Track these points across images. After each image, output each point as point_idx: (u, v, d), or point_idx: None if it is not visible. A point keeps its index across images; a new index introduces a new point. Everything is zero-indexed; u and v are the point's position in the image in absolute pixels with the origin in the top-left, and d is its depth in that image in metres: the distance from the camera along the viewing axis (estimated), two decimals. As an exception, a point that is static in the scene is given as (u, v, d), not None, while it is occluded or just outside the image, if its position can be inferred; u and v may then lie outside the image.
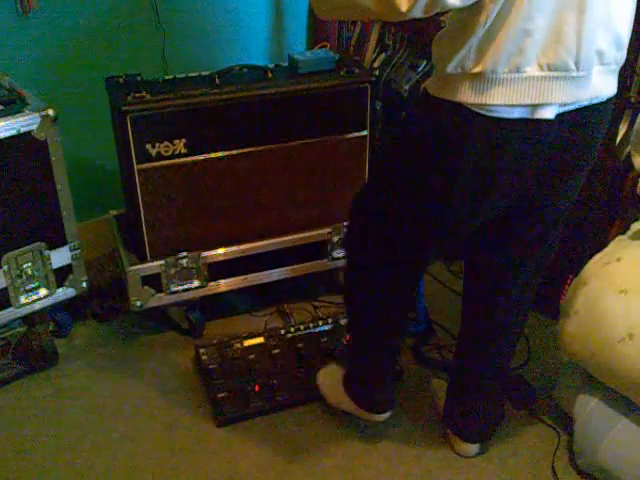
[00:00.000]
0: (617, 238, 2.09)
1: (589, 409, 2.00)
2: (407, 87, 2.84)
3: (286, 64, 2.51)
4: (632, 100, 2.30)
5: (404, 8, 1.32)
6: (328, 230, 2.57)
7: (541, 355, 2.51)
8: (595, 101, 1.54)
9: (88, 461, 2.12)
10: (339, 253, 2.63)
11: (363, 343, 2.11)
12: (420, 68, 2.83)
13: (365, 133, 2.51)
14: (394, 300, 1.97)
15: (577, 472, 2.08)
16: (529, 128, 1.50)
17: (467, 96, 1.47)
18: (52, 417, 2.26)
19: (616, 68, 1.55)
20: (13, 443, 2.17)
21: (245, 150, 2.37)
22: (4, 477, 2.06)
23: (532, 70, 1.43)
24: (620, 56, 1.53)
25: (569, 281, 2.20)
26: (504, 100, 1.45)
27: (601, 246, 2.10)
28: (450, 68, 1.47)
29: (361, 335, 2.10)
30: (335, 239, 2.60)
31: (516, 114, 1.47)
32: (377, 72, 2.92)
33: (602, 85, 1.53)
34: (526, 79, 1.44)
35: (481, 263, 1.94)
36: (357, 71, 2.45)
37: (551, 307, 2.50)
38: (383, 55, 3.02)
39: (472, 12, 1.38)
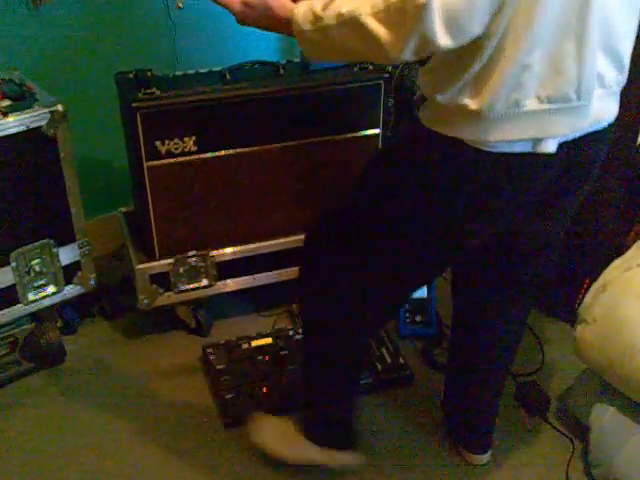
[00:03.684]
0: (637, 243, 2.05)
1: (606, 418, 1.97)
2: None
3: (298, 60, 2.48)
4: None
5: (393, 54, 1.28)
6: (339, 230, 2.54)
7: (555, 361, 2.47)
8: (595, 128, 1.47)
9: (94, 461, 2.10)
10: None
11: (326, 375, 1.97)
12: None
13: (378, 131, 2.47)
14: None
15: (592, 482, 2.06)
16: (530, 162, 1.43)
17: (463, 132, 1.40)
18: (59, 415, 2.25)
19: (617, 90, 1.48)
20: (19, 442, 2.15)
21: (255, 148, 2.34)
22: (9, 477, 2.04)
23: (531, 104, 1.35)
24: (621, 78, 1.46)
25: (586, 285, 2.17)
26: (503, 137, 1.38)
27: (618, 249, 2.06)
28: (442, 99, 1.40)
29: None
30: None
31: (518, 148, 1.40)
32: (390, 68, 2.89)
33: (602, 110, 1.46)
34: (525, 114, 1.36)
35: (468, 287, 1.91)
36: (370, 67, 2.40)
37: (566, 311, 2.46)
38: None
39: (467, 47, 1.30)
